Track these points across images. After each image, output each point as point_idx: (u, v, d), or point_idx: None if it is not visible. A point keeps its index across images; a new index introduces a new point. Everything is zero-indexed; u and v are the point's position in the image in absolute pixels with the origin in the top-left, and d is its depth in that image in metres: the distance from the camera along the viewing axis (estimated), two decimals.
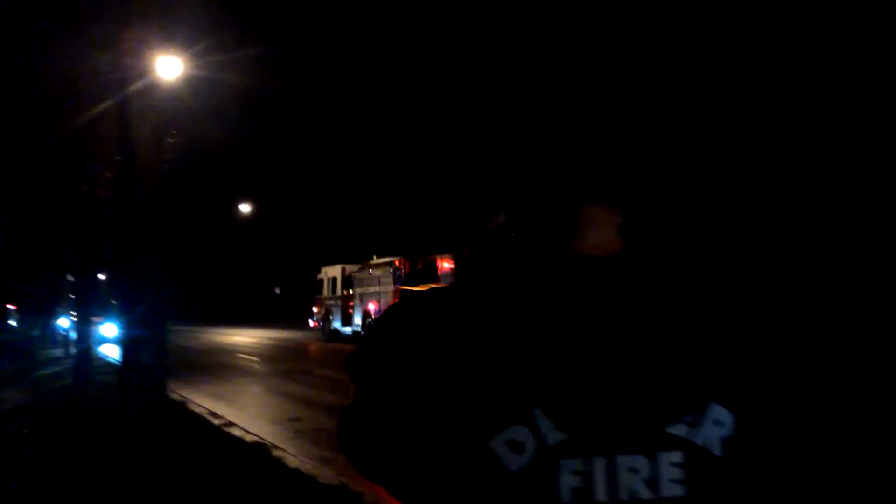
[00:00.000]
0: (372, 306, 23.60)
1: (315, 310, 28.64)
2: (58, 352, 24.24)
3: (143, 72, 5.75)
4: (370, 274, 24.39)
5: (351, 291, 25.42)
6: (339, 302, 26.25)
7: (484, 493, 0.77)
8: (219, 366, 18.26)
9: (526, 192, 0.90)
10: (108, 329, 30.22)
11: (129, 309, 5.79)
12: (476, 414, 0.78)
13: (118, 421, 5.88)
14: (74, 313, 22.70)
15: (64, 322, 28.37)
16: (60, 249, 17.66)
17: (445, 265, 22.51)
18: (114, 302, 35.02)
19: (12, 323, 47.34)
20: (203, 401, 11.30)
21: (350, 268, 26.12)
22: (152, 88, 5.92)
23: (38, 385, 14.52)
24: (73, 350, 18.27)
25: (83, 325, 14.41)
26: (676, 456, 0.78)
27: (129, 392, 5.65)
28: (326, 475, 6.53)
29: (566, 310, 0.81)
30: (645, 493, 0.77)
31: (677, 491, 0.77)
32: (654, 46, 0.98)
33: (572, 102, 0.89)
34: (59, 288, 29.39)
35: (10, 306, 47.97)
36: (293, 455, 7.48)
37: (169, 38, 6.49)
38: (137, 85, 5.68)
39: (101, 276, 27.58)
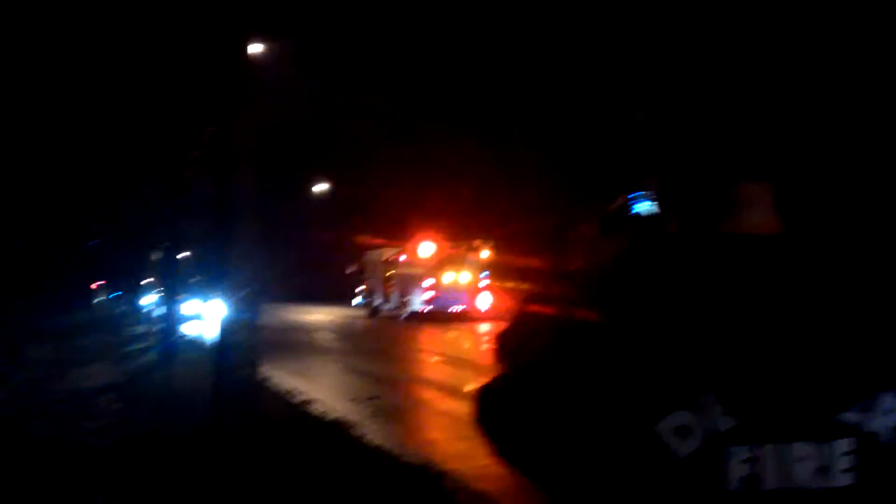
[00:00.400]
0: (407, 286, 26.07)
1: (360, 288, 31.70)
2: (143, 328, 25.32)
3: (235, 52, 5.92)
4: (405, 256, 26.96)
5: (390, 272, 27.77)
6: (380, 282, 28.80)
7: (648, 480, 0.77)
8: (296, 343, 18.70)
9: (683, 172, 0.89)
10: (191, 307, 31.40)
11: (225, 288, 5.98)
12: (642, 397, 0.77)
13: (213, 396, 6.09)
14: (159, 291, 23.67)
15: (148, 299, 29.59)
16: (147, 228, 18.33)
17: (471, 252, 25.96)
18: (195, 280, 36.35)
19: (98, 299, 49.67)
20: (283, 378, 11.61)
21: (389, 251, 28.58)
22: (243, 68, 6.08)
23: (127, 360, 15.20)
24: (157, 327, 19.05)
25: (169, 302, 14.98)
26: (848, 444, 0.76)
27: (223, 369, 5.85)
28: (408, 454, 6.63)
29: (734, 292, 0.80)
30: (815, 482, 0.76)
31: (848, 480, 0.76)
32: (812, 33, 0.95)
33: (731, 81, 0.87)
34: (143, 266, 30.59)
35: (95, 284, 50.28)
36: (374, 433, 7.64)
37: (260, 18, 6.65)
38: (228, 66, 5.85)
39: (182, 255, 28.57)
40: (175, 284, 15.27)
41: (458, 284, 25.61)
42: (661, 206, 0.97)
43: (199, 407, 8.73)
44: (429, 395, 10.01)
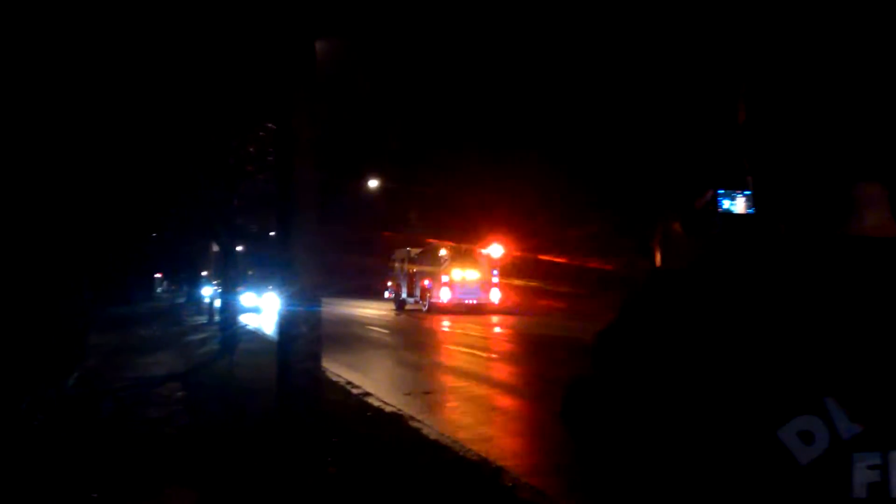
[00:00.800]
0: (427, 282, 29.80)
1: (389, 284, 35.31)
2: (202, 319, 25.96)
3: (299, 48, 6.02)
4: (427, 256, 30.76)
5: (414, 270, 31.40)
6: (406, 278, 32.40)
7: (769, 487, 0.75)
8: (352, 337, 18.92)
9: (795, 171, 0.88)
10: (248, 298, 32.06)
11: (288, 280, 6.08)
12: (764, 402, 0.75)
13: (277, 387, 6.22)
14: (217, 282, 24.23)
15: (207, 291, 30.33)
16: (206, 222, 18.72)
17: (482, 251, 29.94)
18: (251, 273, 36.91)
19: (160, 290, 51.08)
20: (341, 371, 11.76)
21: (414, 250, 32.44)
22: (308, 63, 6.18)
23: (188, 350, 15.61)
24: (217, 318, 19.50)
25: (228, 293, 15.33)
26: None
27: (287, 361, 5.96)
28: (465, 449, 6.67)
29: (856, 295, 0.78)
30: None
31: None
32: None
33: (850, 77, 0.85)
34: (202, 259, 31.31)
35: (157, 275, 51.67)
36: (430, 427, 7.70)
37: (329, 13, 6.73)
38: (292, 61, 5.96)
39: (239, 248, 29.17)
40: (233, 277, 15.59)
41: (472, 280, 29.05)
42: (761, 204, 0.95)
43: (262, 397, 8.94)
44: (481, 391, 10.03)
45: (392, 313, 30.02)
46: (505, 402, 9.43)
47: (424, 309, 29.63)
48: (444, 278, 29.00)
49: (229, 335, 14.50)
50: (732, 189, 1.13)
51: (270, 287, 31.79)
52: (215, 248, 20.58)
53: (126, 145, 14.44)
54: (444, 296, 28.78)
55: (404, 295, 32.47)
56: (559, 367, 11.91)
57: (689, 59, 20.14)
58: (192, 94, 13.19)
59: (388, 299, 35.42)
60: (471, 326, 21.44)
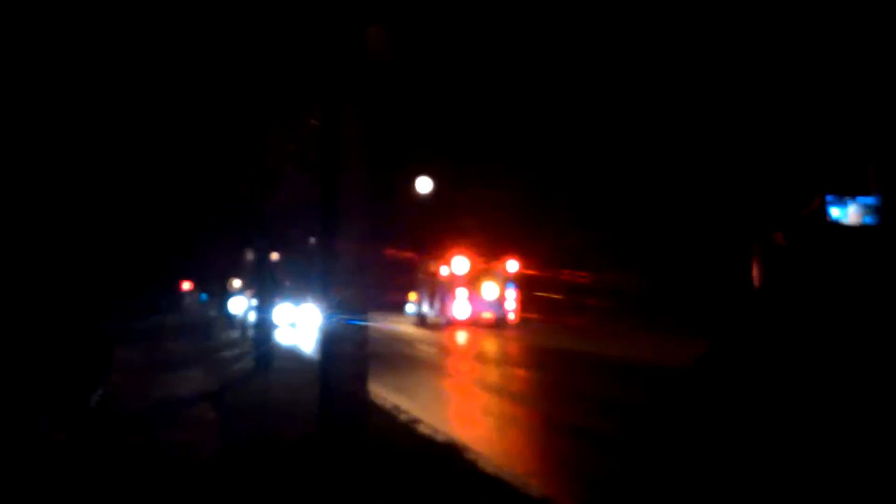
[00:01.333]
0: (445, 295, 32.26)
1: (413, 297, 38.82)
2: (235, 334, 26.39)
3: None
4: (444, 269, 33.09)
5: (435, 283, 33.68)
6: (426, 291, 35.07)
7: None
8: (398, 356, 19.00)
9: None
10: (284, 312, 32.46)
11: (333, 294, 6.14)
12: None
13: (320, 413, 6.26)
14: (251, 294, 24.63)
15: (240, 303, 30.81)
16: (240, 227, 19.04)
17: (499, 265, 32.96)
18: (289, 284, 37.38)
19: (188, 301, 52.03)
20: (387, 394, 11.83)
21: (433, 263, 34.59)
22: (358, 55, 6.24)
23: (220, 367, 15.87)
24: (250, 333, 19.81)
25: (264, 306, 15.54)
26: None
27: (330, 383, 6.00)
28: (523, 483, 6.63)
29: None
30: None
31: None
32: None
33: None
34: (235, 268, 31.79)
35: (185, 286, 52.67)
36: (487, 459, 7.68)
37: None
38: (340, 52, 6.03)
39: (274, 257, 29.59)
40: (268, 288, 15.81)
41: (489, 294, 32.13)
42: (889, 215, 0.94)
43: (301, 421, 9.03)
44: (541, 416, 9.97)
45: (441, 329, 30.25)
46: (569, 429, 9.34)
47: (443, 324, 31.98)
48: (463, 292, 31.59)
49: (264, 352, 14.71)
50: (844, 195, 1.09)
51: (309, 299, 32.24)
52: (250, 256, 20.91)
53: (154, 143, 14.79)
54: (461, 310, 31.62)
55: (425, 308, 35.11)
56: (619, 390, 11.81)
57: (797, 50, 19.95)
58: (226, 86, 13.45)
59: (412, 314, 38.38)
60: (520, 343, 21.36)
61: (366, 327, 6.31)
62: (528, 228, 37.01)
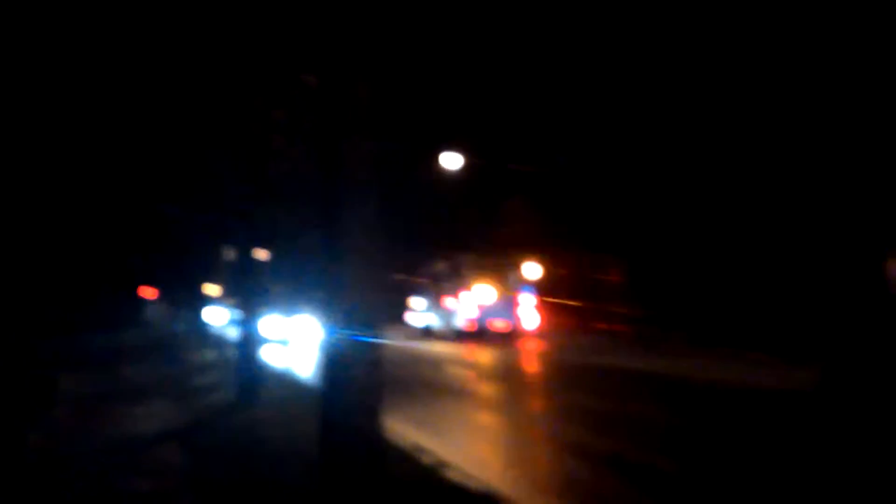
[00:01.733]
0: (450, 303, 34.70)
1: (416, 304, 41.42)
2: (211, 354, 26.52)
3: None
4: (452, 271, 35.50)
5: (439, 288, 36.43)
6: (432, 298, 37.59)
7: None
8: (420, 381, 18.93)
9: None
10: (273, 325, 32.49)
11: (336, 302, 6.05)
12: None
13: (320, 455, 6.20)
14: (231, 303, 24.68)
15: (217, 314, 30.97)
16: (216, 219, 19.01)
17: (518, 266, 35.72)
18: (278, 289, 37.43)
19: (153, 313, 52.36)
20: (405, 430, 11.75)
21: (439, 264, 37.69)
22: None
23: (192, 398, 15.88)
24: (231, 353, 19.84)
25: (248, 319, 15.48)
26: None
27: (333, 418, 5.92)
28: None
29: None
30: None
31: None
32: None
33: None
34: (211, 270, 31.93)
35: (146, 292, 52.90)
36: None
37: None
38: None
39: (261, 255, 29.65)
40: (253, 295, 15.73)
41: (502, 302, 33.42)
42: None
43: (296, 467, 8.97)
44: (610, 455, 9.83)
45: (475, 348, 30.19)
46: (640, 471, 9.20)
47: (450, 335, 33.97)
48: (471, 299, 33.08)
49: (249, 378, 14.68)
50: None
51: (304, 308, 32.36)
52: (229, 255, 20.93)
53: (101, 105, 14.73)
54: (470, 321, 32.91)
55: (430, 320, 37.66)
56: (710, 419, 11.66)
57: None
58: (195, 29, 13.37)
59: (414, 325, 40.63)
60: (560, 360, 21.28)
61: (379, 345, 6.21)
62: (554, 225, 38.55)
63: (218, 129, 16.19)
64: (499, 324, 32.77)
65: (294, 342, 31.53)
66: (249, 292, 15.60)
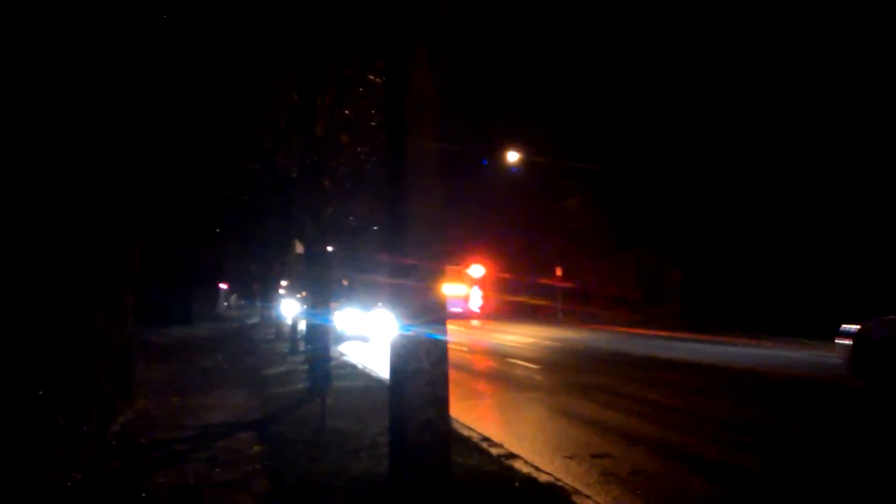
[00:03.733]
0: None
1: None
2: (284, 347, 26.81)
3: None
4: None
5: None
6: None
7: None
8: (487, 375, 19.02)
9: None
10: (347, 319, 32.63)
11: (406, 299, 6.15)
12: None
13: (391, 445, 6.30)
14: (304, 297, 24.93)
15: (290, 307, 31.18)
16: (288, 212, 19.18)
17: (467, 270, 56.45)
18: (346, 284, 37.70)
19: (226, 305, 53.03)
20: (473, 422, 11.86)
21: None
22: None
23: (265, 390, 16.11)
24: (304, 346, 20.07)
25: (318, 312, 15.67)
26: None
27: (402, 409, 6.01)
28: None
29: None
30: None
31: None
32: None
33: None
34: (283, 264, 32.21)
35: (219, 287, 53.61)
36: None
37: None
38: None
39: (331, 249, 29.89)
40: (325, 289, 15.90)
41: (456, 293, 54.84)
42: None
43: (367, 456, 9.14)
44: (668, 447, 9.81)
45: (540, 342, 30.22)
46: (699, 464, 9.21)
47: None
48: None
49: (320, 370, 14.83)
50: None
51: (379, 304, 32.57)
52: (299, 248, 21.13)
53: (173, 105, 14.97)
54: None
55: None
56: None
57: None
58: (264, 28, 13.50)
59: None
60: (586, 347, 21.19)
61: (445, 339, 6.31)
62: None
63: (289, 126, 16.42)
64: (453, 309, 50.72)
65: (372, 336, 31.69)
66: (319, 285, 15.75)
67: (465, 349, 26.37)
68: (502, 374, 19.01)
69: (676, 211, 37.25)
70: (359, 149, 16.75)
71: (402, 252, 6.32)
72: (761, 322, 29.27)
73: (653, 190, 38.80)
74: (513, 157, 42.26)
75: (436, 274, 6.34)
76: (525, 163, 42.54)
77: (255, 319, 47.47)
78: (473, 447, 10.00)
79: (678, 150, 36.46)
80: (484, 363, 22.35)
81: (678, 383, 16.41)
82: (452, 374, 6.68)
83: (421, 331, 6.11)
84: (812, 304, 27.80)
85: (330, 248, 28.78)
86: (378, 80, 13.72)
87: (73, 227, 11.25)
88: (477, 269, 58.85)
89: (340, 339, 29.66)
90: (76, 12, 11.09)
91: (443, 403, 6.17)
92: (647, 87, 37.17)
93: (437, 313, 6.26)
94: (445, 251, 6.59)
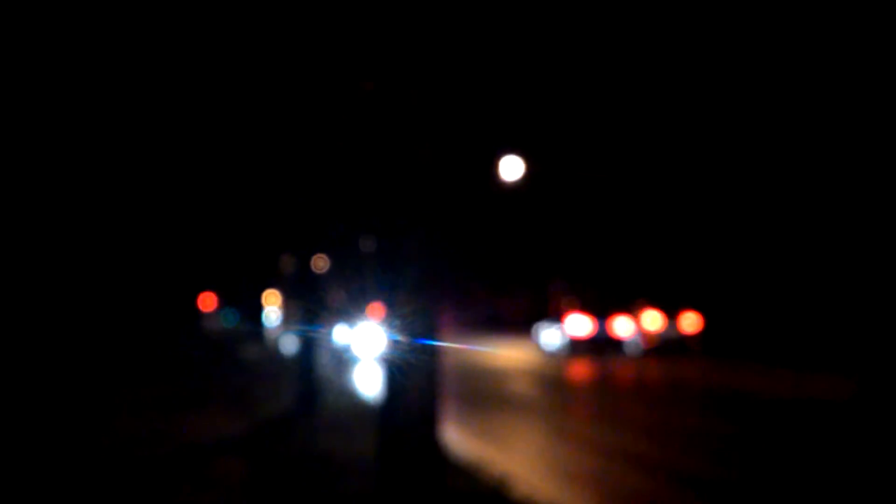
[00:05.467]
0: None
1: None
2: (272, 363, 26.74)
3: None
4: None
5: None
6: None
7: None
8: (483, 392, 18.97)
9: None
10: (337, 333, 32.58)
11: (397, 310, 6.05)
12: None
13: (380, 465, 6.20)
14: (293, 310, 24.86)
15: (278, 321, 31.15)
16: (276, 221, 19.10)
17: None
18: (341, 296, 37.67)
19: (211, 320, 52.88)
20: (467, 441, 11.75)
21: None
22: None
23: (251, 407, 15.98)
24: (293, 362, 19.98)
25: (307, 326, 15.56)
26: None
27: (392, 426, 5.91)
28: None
29: None
30: None
31: None
32: None
33: None
34: (271, 275, 32.05)
35: (205, 301, 53.43)
36: None
37: None
38: None
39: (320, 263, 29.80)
40: (315, 301, 15.81)
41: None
42: None
43: (357, 477, 8.97)
44: (672, 468, 9.75)
45: (543, 358, 30.20)
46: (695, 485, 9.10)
47: None
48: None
49: (309, 387, 14.75)
50: None
51: (366, 318, 32.49)
52: (288, 263, 21.02)
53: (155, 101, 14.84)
54: None
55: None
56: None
57: None
58: (250, 22, 13.40)
59: None
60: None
61: (438, 351, 6.18)
62: None
63: (276, 129, 16.32)
64: None
65: (359, 351, 31.63)
66: (307, 300, 15.68)
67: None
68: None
69: (688, 237, 37.56)
70: (350, 156, 16.62)
71: (397, 263, 6.21)
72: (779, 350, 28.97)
73: (665, 211, 39.05)
74: (514, 166, 42.14)
75: (430, 286, 6.22)
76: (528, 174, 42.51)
77: (244, 332, 47.33)
78: (466, 466, 9.88)
79: (684, 171, 36.77)
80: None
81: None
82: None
83: (414, 345, 6.00)
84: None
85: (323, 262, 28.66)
86: (370, 85, 13.62)
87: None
88: None
89: (330, 353, 29.58)
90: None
91: (435, 420, 6.07)
92: (665, 105, 37.39)
93: (430, 325, 6.14)
94: (443, 267, 6.48)
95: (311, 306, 15.72)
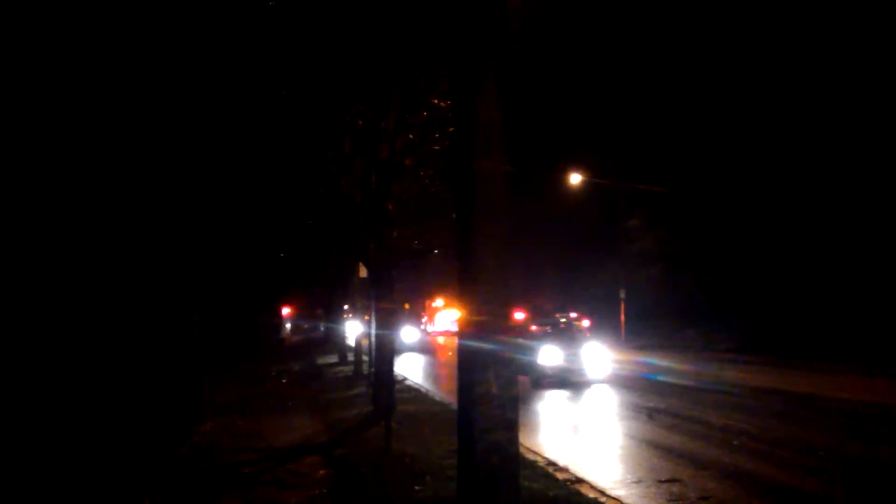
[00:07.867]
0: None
1: None
2: (346, 369, 26.82)
3: None
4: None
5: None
6: None
7: None
8: (549, 397, 18.89)
9: None
10: (409, 336, 32.51)
11: (472, 317, 6.07)
12: None
13: (459, 470, 6.22)
14: (364, 317, 24.92)
15: (352, 327, 31.05)
16: (351, 236, 19.27)
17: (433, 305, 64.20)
18: (407, 307, 37.48)
19: (290, 327, 53.32)
20: (537, 446, 11.76)
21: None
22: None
23: (329, 412, 16.13)
24: (368, 367, 20.06)
25: (381, 333, 15.65)
26: None
27: (471, 432, 5.92)
28: None
29: None
30: None
31: None
32: None
33: None
34: (345, 285, 32.16)
35: (285, 309, 53.89)
36: None
37: None
38: None
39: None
40: (387, 311, 15.86)
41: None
42: None
43: (433, 480, 9.06)
44: (742, 472, 9.64)
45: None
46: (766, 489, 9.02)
47: None
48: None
49: (384, 392, 14.82)
50: None
51: (440, 324, 32.60)
52: (363, 272, 21.16)
53: (233, 120, 15.08)
54: None
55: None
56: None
57: None
58: (328, 52, 13.58)
59: None
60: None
61: (512, 357, 6.21)
62: None
63: (353, 150, 16.55)
64: None
65: (430, 356, 31.63)
66: (383, 308, 15.77)
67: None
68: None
69: (738, 232, 36.85)
70: (422, 172, 16.73)
71: (472, 272, 6.27)
72: (832, 346, 28.31)
73: (714, 210, 38.43)
74: (575, 178, 42.17)
75: (503, 294, 6.28)
76: (586, 184, 42.44)
77: (321, 339, 47.39)
78: (540, 471, 9.91)
79: (737, 172, 36.23)
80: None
81: None
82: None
83: (490, 352, 6.03)
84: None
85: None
86: (442, 103, 13.67)
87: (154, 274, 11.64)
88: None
89: (398, 352, 29.68)
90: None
91: (512, 426, 6.08)
92: (711, 107, 36.95)
93: (504, 331, 6.18)
94: (510, 277, 6.50)
95: (389, 317, 15.82)
